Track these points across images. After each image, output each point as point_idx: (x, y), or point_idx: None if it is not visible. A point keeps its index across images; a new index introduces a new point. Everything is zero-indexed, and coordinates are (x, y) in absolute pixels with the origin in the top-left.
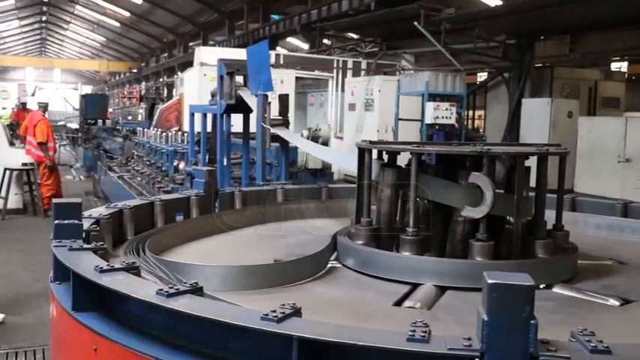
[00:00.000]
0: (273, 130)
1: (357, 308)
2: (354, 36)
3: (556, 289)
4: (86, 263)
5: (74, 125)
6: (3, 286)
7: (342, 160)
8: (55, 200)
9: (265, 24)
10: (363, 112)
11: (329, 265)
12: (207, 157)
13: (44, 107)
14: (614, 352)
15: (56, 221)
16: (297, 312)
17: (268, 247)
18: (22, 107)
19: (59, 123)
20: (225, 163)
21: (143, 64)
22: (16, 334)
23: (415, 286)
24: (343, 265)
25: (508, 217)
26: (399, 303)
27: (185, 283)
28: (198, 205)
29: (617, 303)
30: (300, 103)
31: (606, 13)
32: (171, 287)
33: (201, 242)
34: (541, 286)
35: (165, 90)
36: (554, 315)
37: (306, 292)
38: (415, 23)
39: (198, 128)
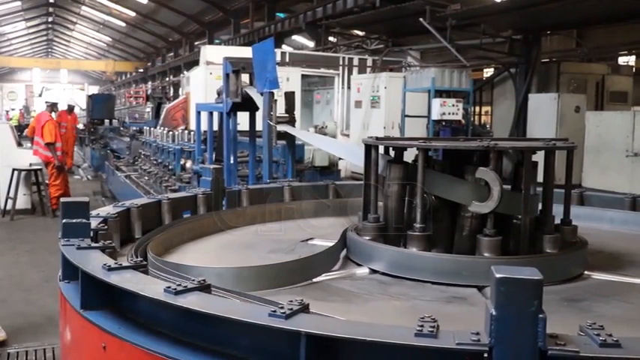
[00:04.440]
0: (279, 128)
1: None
2: (360, 33)
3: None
4: (94, 262)
5: (80, 126)
6: (12, 285)
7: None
8: (63, 199)
9: (271, 22)
10: (369, 109)
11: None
12: (213, 155)
13: (51, 107)
14: (624, 345)
15: (64, 220)
16: (305, 308)
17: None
18: (68, 110)
19: None
20: (231, 162)
21: (149, 64)
22: (26, 333)
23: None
24: (352, 260)
25: None
26: None
27: (193, 280)
28: (205, 203)
29: None
30: (306, 100)
31: (613, 6)
32: (179, 285)
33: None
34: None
35: (172, 89)
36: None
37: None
38: (421, 19)
39: (204, 127)
